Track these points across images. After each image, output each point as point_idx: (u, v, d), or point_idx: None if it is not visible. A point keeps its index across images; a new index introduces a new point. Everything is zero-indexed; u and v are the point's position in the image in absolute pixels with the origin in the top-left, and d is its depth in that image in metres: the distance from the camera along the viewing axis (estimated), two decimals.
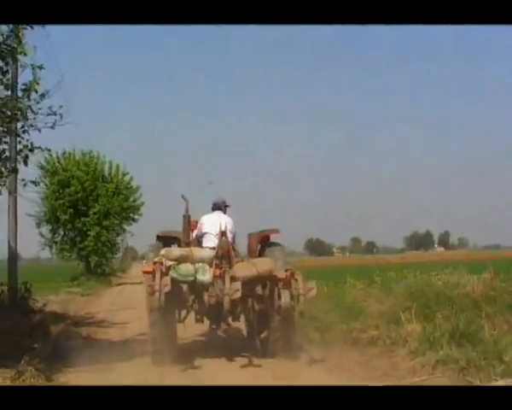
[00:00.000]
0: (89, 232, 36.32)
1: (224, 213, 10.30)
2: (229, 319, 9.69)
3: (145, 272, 9.11)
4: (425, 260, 57.75)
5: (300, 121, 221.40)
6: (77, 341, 10.96)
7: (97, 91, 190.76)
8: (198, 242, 10.02)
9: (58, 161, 37.03)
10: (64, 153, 37.43)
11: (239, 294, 8.49)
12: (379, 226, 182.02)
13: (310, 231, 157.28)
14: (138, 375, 8.19)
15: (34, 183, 10.02)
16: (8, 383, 6.76)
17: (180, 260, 8.77)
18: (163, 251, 8.93)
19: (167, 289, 8.33)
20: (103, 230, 36.72)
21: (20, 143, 9.01)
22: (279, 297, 8.82)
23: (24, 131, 8.82)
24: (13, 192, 13.82)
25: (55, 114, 8.70)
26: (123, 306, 19.74)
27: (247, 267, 9.01)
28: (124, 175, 39.40)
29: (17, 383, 6.77)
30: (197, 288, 8.94)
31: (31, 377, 7.02)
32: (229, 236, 9.60)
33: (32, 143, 8.95)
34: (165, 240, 9.80)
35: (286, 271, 8.97)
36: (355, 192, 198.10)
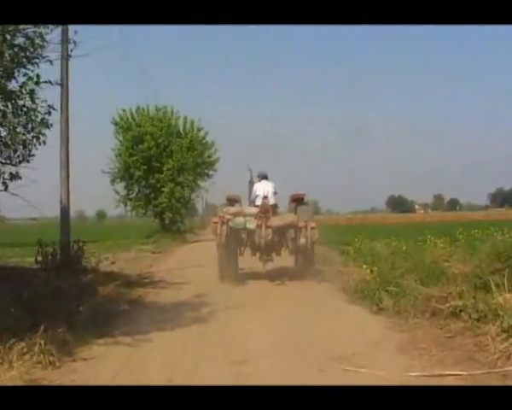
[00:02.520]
0: (163, 189, 35.67)
1: (267, 179, 14.58)
2: (273, 254, 14.20)
3: (213, 223, 13.73)
4: (511, 218, 54.54)
5: (383, 79, 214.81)
6: (122, 304, 9.98)
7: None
8: (252, 200, 14.43)
9: (132, 117, 36.59)
10: (138, 108, 36.95)
11: (270, 237, 13.30)
12: (462, 183, 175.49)
13: (392, 188, 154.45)
14: (172, 348, 7.12)
15: (46, 124, 8.90)
16: (14, 359, 5.73)
17: (236, 215, 13.43)
18: (224, 209, 13.62)
19: (226, 233, 13.13)
20: (177, 186, 35.97)
21: (25, 75, 7.91)
22: (299, 239, 13.22)
23: (33, 63, 7.74)
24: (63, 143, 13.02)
25: (68, 42, 7.54)
26: (190, 264, 18.92)
27: (278, 220, 13.65)
28: (198, 130, 38.56)
29: (22, 361, 5.72)
30: (249, 233, 13.66)
31: (39, 353, 5.95)
32: (273, 196, 14.15)
33: (38, 76, 7.87)
34: (231, 200, 14.30)
35: (305, 222, 13.23)
36: (438, 148, 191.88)
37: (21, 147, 10.86)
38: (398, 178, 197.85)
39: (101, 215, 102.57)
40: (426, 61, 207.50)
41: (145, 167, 35.55)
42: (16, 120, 10.70)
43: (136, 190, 36.78)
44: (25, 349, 5.92)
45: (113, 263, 19.48)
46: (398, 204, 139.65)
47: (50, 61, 7.98)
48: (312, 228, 13.19)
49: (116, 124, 36.46)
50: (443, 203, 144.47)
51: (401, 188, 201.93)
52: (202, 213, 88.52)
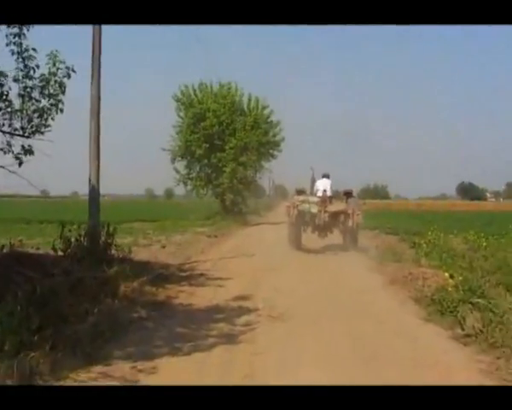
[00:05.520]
0: (224, 168, 34.12)
1: (328, 178, 19.21)
2: (328, 232, 18.78)
3: (287, 207, 18.84)
4: None
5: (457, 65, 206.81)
6: (139, 310, 8.19)
7: None
8: (315, 192, 18.95)
9: (194, 93, 35.06)
10: (200, 85, 35.39)
11: (327, 219, 18.04)
12: None
13: (463, 175, 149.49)
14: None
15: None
16: None
17: (303, 202, 18.25)
18: (295, 197, 18.72)
19: (295, 214, 18.03)
20: (239, 166, 34.33)
21: None
22: (347, 222, 17.81)
23: None
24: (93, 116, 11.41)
25: None
26: (243, 251, 17.25)
27: (333, 207, 18.24)
28: (263, 108, 36.62)
29: None
30: (311, 215, 18.23)
31: None
32: (329, 190, 18.79)
33: None
34: (299, 191, 19.02)
35: (352, 210, 17.64)
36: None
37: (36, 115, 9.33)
38: (470, 164, 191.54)
39: (169, 194, 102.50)
40: None
41: (207, 146, 34.04)
42: (31, 84, 9.15)
43: (197, 169, 35.31)
44: None
45: (164, 247, 18.11)
46: (469, 191, 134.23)
47: None
48: (358, 215, 17.66)
49: (178, 100, 35.01)
50: None
51: (472, 175, 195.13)
52: (269, 194, 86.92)
